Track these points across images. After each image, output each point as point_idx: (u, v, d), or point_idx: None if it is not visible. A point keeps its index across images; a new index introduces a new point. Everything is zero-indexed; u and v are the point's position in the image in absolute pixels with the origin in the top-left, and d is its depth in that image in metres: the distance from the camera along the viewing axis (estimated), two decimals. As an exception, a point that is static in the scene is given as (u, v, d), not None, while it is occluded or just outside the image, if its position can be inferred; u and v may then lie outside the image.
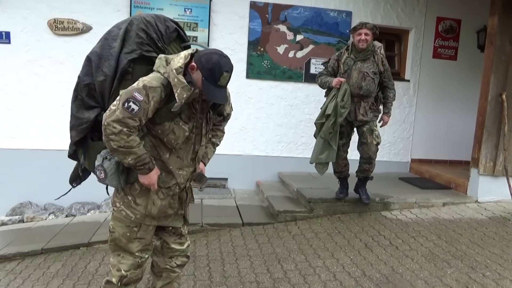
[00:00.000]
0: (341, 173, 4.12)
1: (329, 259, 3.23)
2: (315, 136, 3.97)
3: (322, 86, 3.97)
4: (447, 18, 5.89)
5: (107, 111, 1.81)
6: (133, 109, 1.76)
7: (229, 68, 1.83)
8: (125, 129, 1.77)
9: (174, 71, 1.80)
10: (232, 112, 2.29)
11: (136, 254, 2.06)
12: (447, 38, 5.93)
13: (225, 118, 2.26)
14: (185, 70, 1.84)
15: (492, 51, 4.45)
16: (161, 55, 1.91)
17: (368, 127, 3.85)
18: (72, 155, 2.15)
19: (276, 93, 5.43)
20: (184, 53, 1.87)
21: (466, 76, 5.90)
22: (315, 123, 3.91)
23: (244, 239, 3.69)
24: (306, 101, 5.49)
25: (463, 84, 5.90)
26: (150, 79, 1.82)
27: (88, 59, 2.01)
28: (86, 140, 2.04)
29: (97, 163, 1.94)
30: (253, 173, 5.39)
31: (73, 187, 2.28)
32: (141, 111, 1.78)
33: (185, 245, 2.26)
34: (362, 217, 4.10)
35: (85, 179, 2.27)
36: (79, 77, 2.02)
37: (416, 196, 4.45)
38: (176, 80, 1.79)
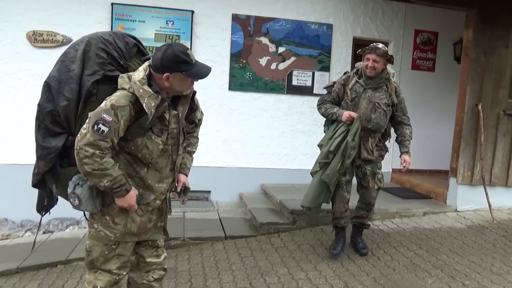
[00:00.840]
0: (340, 221, 3.39)
1: (312, 271, 3.22)
2: (312, 174, 3.40)
3: (326, 117, 3.41)
4: (424, 31, 6.06)
5: (78, 135, 1.78)
6: (103, 131, 1.74)
7: (184, 46, 1.87)
8: (97, 152, 1.74)
9: (137, 83, 1.80)
10: (203, 117, 2.30)
11: (114, 271, 2.02)
12: (425, 50, 6.09)
13: (197, 124, 2.26)
14: (150, 81, 1.84)
15: (467, 63, 4.58)
16: (123, 74, 1.89)
17: (370, 169, 3.33)
18: (37, 184, 2.07)
19: (259, 105, 5.46)
20: (143, 66, 1.88)
21: (444, 87, 6.05)
22: (318, 163, 3.33)
23: (227, 253, 3.66)
24: (289, 112, 5.53)
25: (441, 95, 6.05)
26: (117, 98, 1.79)
27: (47, 85, 1.95)
28: (55, 168, 1.97)
29: (69, 190, 1.88)
30: (236, 185, 5.37)
31: (42, 215, 2.21)
32: (112, 132, 1.76)
33: (162, 257, 2.23)
34: (344, 228, 4.11)
35: (53, 207, 2.21)
36: (39, 104, 1.96)
37: (397, 206, 4.50)
38: (141, 91, 1.79)
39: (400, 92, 3.36)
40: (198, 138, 2.34)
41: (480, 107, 4.53)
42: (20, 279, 3.36)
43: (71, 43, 2.04)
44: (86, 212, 2.13)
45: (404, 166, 3.30)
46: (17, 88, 4.82)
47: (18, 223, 4.74)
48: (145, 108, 1.78)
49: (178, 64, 1.81)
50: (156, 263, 2.19)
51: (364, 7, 5.73)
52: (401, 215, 4.41)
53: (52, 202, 2.16)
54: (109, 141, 1.77)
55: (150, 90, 1.79)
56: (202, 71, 1.88)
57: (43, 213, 2.18)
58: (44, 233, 4.50)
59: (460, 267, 3.23)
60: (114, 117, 1.75)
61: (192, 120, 2.16)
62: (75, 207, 1.90)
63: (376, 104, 3.22)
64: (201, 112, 2.26)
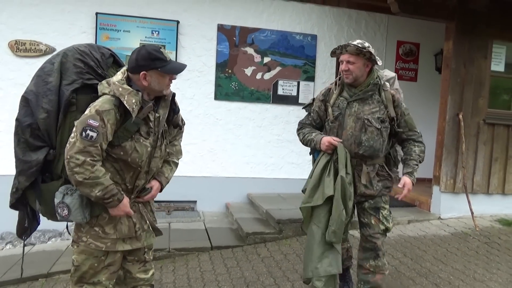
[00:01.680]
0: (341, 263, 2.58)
1: (298, 281, 3.22)
2: (303, 229, 2.68)
3: (306, 145, 2.72)
4: (406, 42, 6.19)
5: (67, 145, 1.79)
6: (91, 136, 1.76)
7: (157, 46, 2.00)
8: (88, 159, 1.76)
9: (116, 83, 1.86)
10: (184, 127, 2.28)
11: (104, 282, 2.00)
12: (407, 60, 6.22)
13: (180, 129, 2.24)
14: (129, 83, 1.90)
15: (448, 74, 4.69)
16: (102, 81, 1.92)
17: (372, 202, 2.56)
18: (15, 204, 2.02)
19: (245, 114, 5.47)
20: (121, 71, 1.95)
21: (426, 96, 6.18)
22: (301, 208, 2.55)
23: (213, 264, 3.63)
24: (275, 122, 5.56)
25: (423, 104, 6.16)
26: (101, 103, 1.82)
27: (25, 99, 1.95)
28: (36, 184, 1.94)
29: (57, 200, 1.86)
30: (222, 195, 5.35)
31: (24, 240, 2.17)
32: (100, 136, 1.78)
33: (150, 273, 2.20)
34: (330, 237, 4.13)
35: (35, 230, 2.16)
36: (17, 119, 1.95)
37: (382, 214, 4.54)
38: (120, 89, 1.83)
39: (400, 102, 2.56)
40: (180, 148, 2.27)
41: (461, 116, 4.64)
42: (-1, 294, 3.27)
43: (47, 58, 2.04)
44: (70, 228, 2.10)
45: (400, 197, 2.52)
46: (-1, 98, 4.74)
47: (-2, 236, 4.61)
48: (126, 105, 1.81)
49: (153, 61, 1.86)
50: (143, 279, 2.16)
51: (347, 18, 5.84)
52: (386, 223, 4.45)
53: (34, 224, 2.11)
54: (98, 146, 1.79)
55: (128, 87, 1.85)
56: (177, 67, 1.96)
57: (25, 237, 2.13)
58: (25, 245, 4.38)
59: (444, 274, 3.27)
60: (101, 121, 1.78)
61: (175, 123, 2.15)
62: (63, 217, 1.87)
63: (366, 121, 2.45)
64: (182, 121, 2.25)
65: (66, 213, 1.85)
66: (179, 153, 2.25)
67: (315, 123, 2.71)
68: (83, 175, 1.76)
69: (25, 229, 2.10)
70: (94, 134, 1.76)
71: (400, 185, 2.50)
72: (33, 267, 3.64)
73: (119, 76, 1.90)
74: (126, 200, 1.92)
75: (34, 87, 1.95)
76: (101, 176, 1.79)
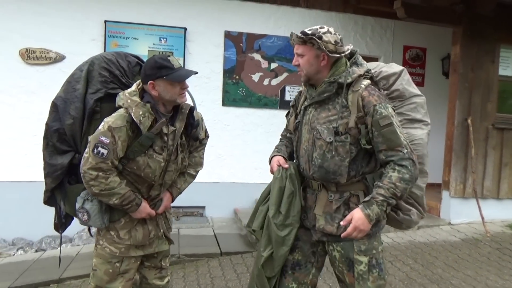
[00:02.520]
0: None
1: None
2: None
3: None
4: (413, 47, 6.20)
5: (82, 159, 1.83)
6: (102, 153, 1.80)
7: (166, 54, 1.94)
8: (101, 173, 1.80)
9: (127, 94, 1.87)
10: (207, 139, 2.27)
11: None
12: (414, 65, 6.22)
13: (201, 142, 2.22)
14: (143, 94, 1.91)
15: (456, 78, 4.69)
16: (120, 92, 1.93)
17: (340, 251, 1.85)
18: (48, 201, 2.12)
19: (253, 120, 5.49)
20: (137, 82, 1.95)
21: (434, 101, 6.12)
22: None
23: (223, 270, 3.63)
24: (282, 127, 5.46)
25: (431, 109, 6.03)
26: (114, 119, 1.84)
27: (54, 105, 2.01)
28: (63, 185, 2.01)
29: (78, 205, 1.92)
30: (231, 200, 5.36)
31: (60, 233, 2.23)
32: (111, 153, 1.81)
33: (165, 280, 2.21)
34: (340, 243, 4.12)
35: (69, 224, 2.23)
36: (47, 124, 2.02)
37: (391, 220, 4.52)
38: (129, 101, 1.85)
39: (377, 105, 1.74)
40: (201, 160, 2.23)
41: (470, 121, 4.63)
42: (11, 300, 3.29)
43: (78, 65, 2.09)
44: (92, 230, 2.14)
45: (342, 233, 1.77)
46: (10, 105, 4.79)
47: (9, 241, 4.64)
48: (134, 118, 1.81)
49: (159, 70, 1.85)
50: (158, 286, 2.18)
51: (354, 24, 5.85)
52: (396, 229, 4.43)
53: (68, 220, 2.19)
54: (109, 162, 1.82)
55: (137, 99, 1.85)
56: (183, 74, 1.90)
57: (61, 231, 2.19)
58: (36, 251, 4.42)
59: (456, 281, 3.25)
60: (112, 138, 1.80)
61: (195, 136, 2.12)
62: (83, 222, 1.93)
63: (315, 133, 1.84)
64: (205, 131, 2.22)
65: (86, 218, 1.91)
66: (198, 164, 2.21)
67: (290, 134, 2.11)
68: (99, 187, 1.81)
69: (62, 224, 2.18)
70: (105, 151, 1.79)
71: (343, 222, 1.76)
72: (44, 273, 3.66)
73: (133, 87, 1.92)
74: (145, 203, 1.95)
75: (63, 93, 2.01)
76: (116, 186, 1.84)
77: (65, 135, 1.97)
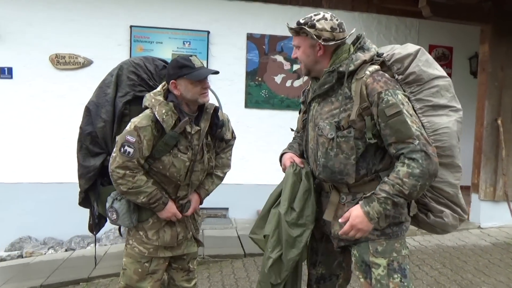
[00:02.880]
0: None
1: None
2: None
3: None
4: (439, 46, 6.06)
5: (111, 159, 1.90)
6: (129, 152, 1.85)
7: (188, 54, 1.98)
8: (128, 172, 1.85)
9: (152, 94, 1.92)
10: (234, 140, 2.28)
11: None
12: (440, 64, 6.04)
13: (227, 143, 2.22)
14: (168, 94, 1.94)
15: (485, 78, 4.56)
16: (147, 93, 1.98)
17: (357, 255, 1.69)
18: (82, 202, 2.20)
19: (275, 122, 5.49)
20: (162, 83, 2.00)
21: (461, 101, 5.91)
22: (250, 237, 1.93)
23: (247, 271, 3.64)
24: (305, 129, 5.53)
25: (459, 109, 6.00)
26: (140, 119, 1.89)
27: (87, 109, 2.10)
28: (96, 186, 2.08)
29: (107, 205, 1.99)
30: (254, 202, 5.35)
31: (95, 234, 2.32)
32: (137, 152, 1.86)
33: (192, 283, 2.23)
34: (365, 245, 4.07)
35: (103, 225, 2.30)
36: (80, 127, 2.11)
37: (418, 223, 4.43)
38: (153, 100, 1.89)
39: (382, 92, 1.55)
40: (228, 162, 2.24)
41: (500, 121, 4.49)
42: (43, 297, 3.41)
43: (109, 71, 2.17)
44: (122, 230, 2.20)
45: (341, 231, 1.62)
46: (41, 109, 4.96)
47: (41, 240, 4.82)
48: (157, 116, 1.85)
49: (180, 69, 1.89)
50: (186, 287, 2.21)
51: (377, 24, 5.78)
52: (423, 232, 4.33)
53: (102, 221, 2.26)
54: (135, 161, 1.86)
55: (160, 98, 1.89)
56: (202, 72, 1.90)
57: (95, 232, 2.27)
58: (66, 250, 4.57)
59: (487, 286, 3.16)
60: (137, 137, 1.85)
61: (220, 136, 2.14)
62: (112, 221, 2.00)
63: (317, 130, 1.69)
64: (232, 132, 2.23)
65: (115, 217, 1.97)
66: (225, 166, 2.22)
67: (297, 133, 2.02)
68: (126, 185, 1.86)
69: (96, 224, 2.25)
70: (131, 150, 1.84)
71: (341, 220, 1.61)
72: (73, 272, 3.78)
73: (158, 88, 1.97)
74: (171, 203, 1.98)
75: (96, 98, 2.10)
76: (143, 185, 1.88)
77: (97, 138, 2.05)
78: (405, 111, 1.53)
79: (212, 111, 2.04)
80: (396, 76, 1.67)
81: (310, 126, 1.76)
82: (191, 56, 1.94)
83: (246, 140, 5.40)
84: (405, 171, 1.50)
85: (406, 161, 1.51)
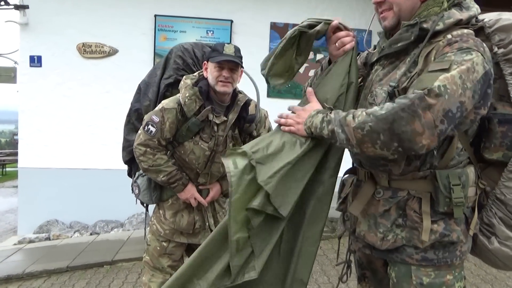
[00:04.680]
0: None
1: (353, 281, 3.15)
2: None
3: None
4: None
5: (136, 136, 1.97)
6: (151, 131, 1.91)
7: (227, 43, 2.01)
8: (148, 149, 1.92)
9: (185, 77, 1.96)
10: None
11: (167, 270, 2.10)
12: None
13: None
14: (201, 80, 1.94)
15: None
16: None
17: (394, 278, 1.29)
18: (129, 174, 2.32)
19: (297, 112, 5.46)
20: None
21: None
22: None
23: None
24: (327, 119, 5.48)
25: None
26: (168, 101, 1.95)
27: (139, 87, 2.22)
28: (134, 160, 2.16)
29: (133, 179, 2.11)
30: (274, 192, 5.38)
31: (146, 208, 2.31)
32: (158, 132, 1.91)
33: None
34: (386, 238, 4.02)
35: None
36: (131, 103, 2.23)
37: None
38: (182, 83, 1.94)
39: (448, 51, 1.12)
40: None
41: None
42: (69, 277, 3.53)
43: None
44: (145, 210, 2.27)
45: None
46: (68, 97, 5.10)
47: (67, 224, 4.99)
48: (180, 99, 1.89)
49: (211, 52, 1.93)
50: None
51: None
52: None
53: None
54: (155, 140, 1.91)
55: (189, 82, 1.92)
56: (221, 57, 1.85)
57: (146, 207, 2.28)
58: (91, 234, 4.71)
59: (513, 282, 3.07)
60: (161, 118, 1.90)
61: (248, 131, 2.08)
62: (135, 196, 2.10)
63: (369, 97, 1.30)
64: (268, 129, 2.15)
65: (137, 192, 2.08)
66: None
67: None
68: (147, 163, 1.93)
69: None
70: (153, 129, 1.90)
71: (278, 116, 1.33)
72: (98, 255, 3.90)
73: (195, 73, 2.02)
74: (191, 186, 2.02)
75: (148, 78, 2.20)
76: (163, 164, 1.94)
77: (142, 115, 2.12)
78: (453, 71, 1.05)
79: (243, 103, 2.01)
80: (496, 49, 1.23)
81: (363, 95, 1.34)
82: (228, 43, 1.97)
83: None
84: (375, 108, 1.11)
85: (389, 100, 1.15)
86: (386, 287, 1.37)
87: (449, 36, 1.17)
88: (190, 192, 2.02)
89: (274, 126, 1.28)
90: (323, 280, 3.20)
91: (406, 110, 1.03)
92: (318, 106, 1.28)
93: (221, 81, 1.88)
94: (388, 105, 1.08)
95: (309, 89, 1.35)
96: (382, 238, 1.26)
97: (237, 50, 1.90)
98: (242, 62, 1.93)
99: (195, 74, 1.99)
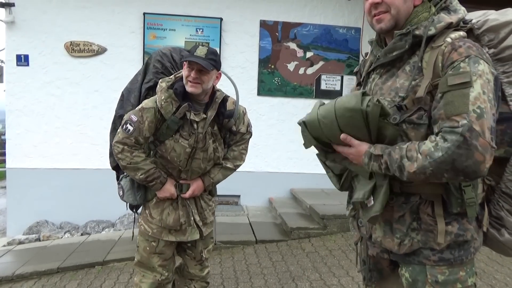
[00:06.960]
0: None
1: (344, 277, 3.19)
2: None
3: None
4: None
5: (116, 134, 2.01)
6: (129, 130, 1.95)
7: (201, 43, 2.05)
8: (126, 147, 1.95)
9: (161, 81, 2.00)
10: (249, 135, 2.25)
11: (158, 269, 2.11)
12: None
13: (242, 137, 2.20)
14: (176, 84, 1.95)
15: None
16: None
17: (408, 278, 1.34)
18: (117, 179, 2.32)
19: (288, 109, 5.47)
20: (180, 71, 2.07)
21: None
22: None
23: (258, 257, 3.68)
24: (317, 117, 5.50)
25: None
26: (147, 101, 2.00)
27: (122, 94, 2.26)
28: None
29: (118, 181, 2.13)
30: (266, 189, 5.39)
31: (135, 212, 2.32)
32: (136, 131, 1.94)
33: (205, 272, 2.29)
34: (376, 234, 4.06)
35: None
36: (115, 110, 2.26)
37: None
38: (158, 86, 1.98)
39: (458, 60, 1.15)
40: (238, 156, 2.23)
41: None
42: (60, 278, 3.51)
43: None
44: (132, 211, 2.29)
45: None
46: (56, 96, 5.04)
47: (57, 224, 4.94)
48: (157, 102, 1.94)
49: (187, 53, 2.02)
50: (198, 275, 2.28)
51: (393, 9, 5.66)
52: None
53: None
54: (133, 139, 1.95)
55: (164, 85, 1.96)
56: (189, 57, 1.90)
57: (134, 210, 2.28)
58: (81, 234, 4.67)
59: (500, 276, 3.13)
60: (140, 117, 1.94)
61: (228, 127, 2.10)
62: (120, 197, 2.12)
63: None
64: (247, 126, 2.19)
65: (121, 194, 2.10)
66: (236, 159, 2.22)
67: None
68: (125, 160, 1.96)
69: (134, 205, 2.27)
70: (131, 128, 1.94)
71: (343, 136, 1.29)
72: (89, 255, 3.88)
73: (171, 76, 2.05)
74: (170, 185, 2.05)
75: (129, 84, 2.26)
76: (140, 162, 1.97)
77: None
78: (476, 86, 1.10)
79: (220, 100, 2.05)
80: (486, 50, 1.28)
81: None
82: (202, 44, 1.99)
83: (258, 128, 5.39)
84: (428, 147, 1.12)
85: (438, 138, 1.12)
86: (391, 284, 1.45)
87: (448, 39, 1.21)
88: (169, 191, 2.06)
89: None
90: (315, 277, 3.23)
91: (462, 146, 1.07)
92: (363, 148, 1.26)
93: (190, 81, 1.91)
94: (441, 143, 1.10)
95: (343, 135, 1.28)
96: (399, 243, 1.31)
97: (210, 52, 1.90)
98: (215, 65, 1.92)
99: (171, 77, 2.02)
